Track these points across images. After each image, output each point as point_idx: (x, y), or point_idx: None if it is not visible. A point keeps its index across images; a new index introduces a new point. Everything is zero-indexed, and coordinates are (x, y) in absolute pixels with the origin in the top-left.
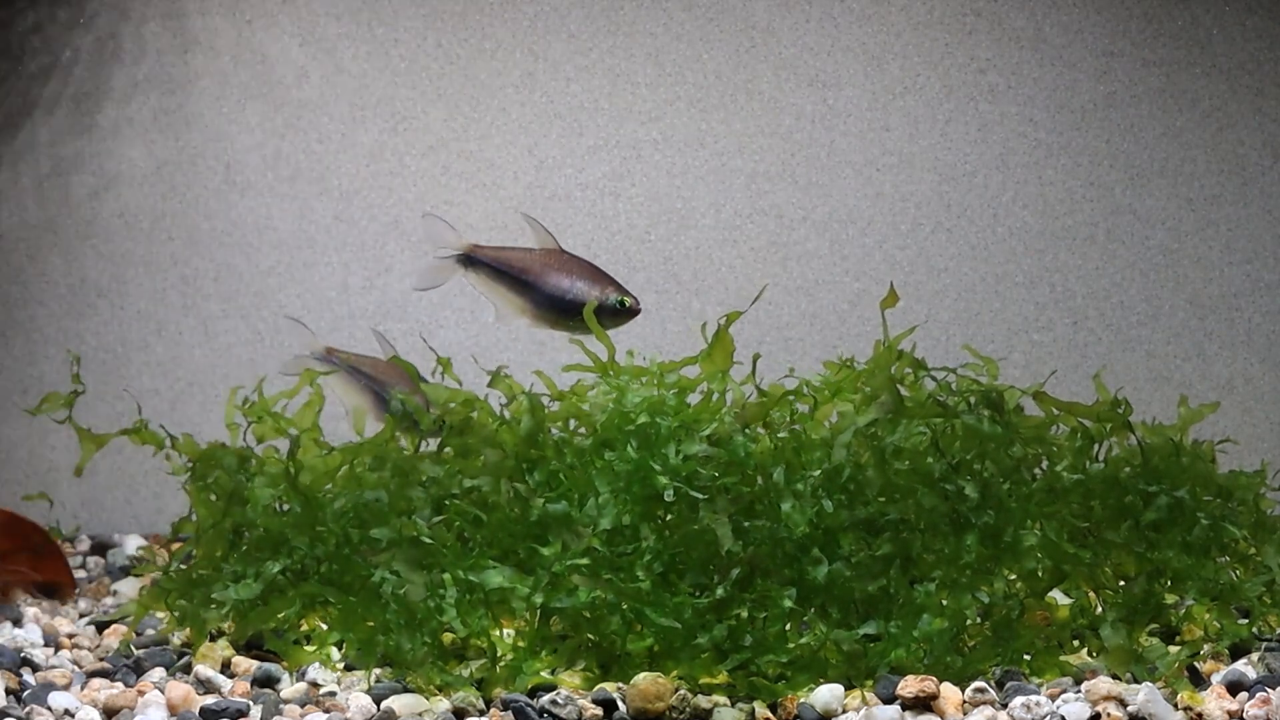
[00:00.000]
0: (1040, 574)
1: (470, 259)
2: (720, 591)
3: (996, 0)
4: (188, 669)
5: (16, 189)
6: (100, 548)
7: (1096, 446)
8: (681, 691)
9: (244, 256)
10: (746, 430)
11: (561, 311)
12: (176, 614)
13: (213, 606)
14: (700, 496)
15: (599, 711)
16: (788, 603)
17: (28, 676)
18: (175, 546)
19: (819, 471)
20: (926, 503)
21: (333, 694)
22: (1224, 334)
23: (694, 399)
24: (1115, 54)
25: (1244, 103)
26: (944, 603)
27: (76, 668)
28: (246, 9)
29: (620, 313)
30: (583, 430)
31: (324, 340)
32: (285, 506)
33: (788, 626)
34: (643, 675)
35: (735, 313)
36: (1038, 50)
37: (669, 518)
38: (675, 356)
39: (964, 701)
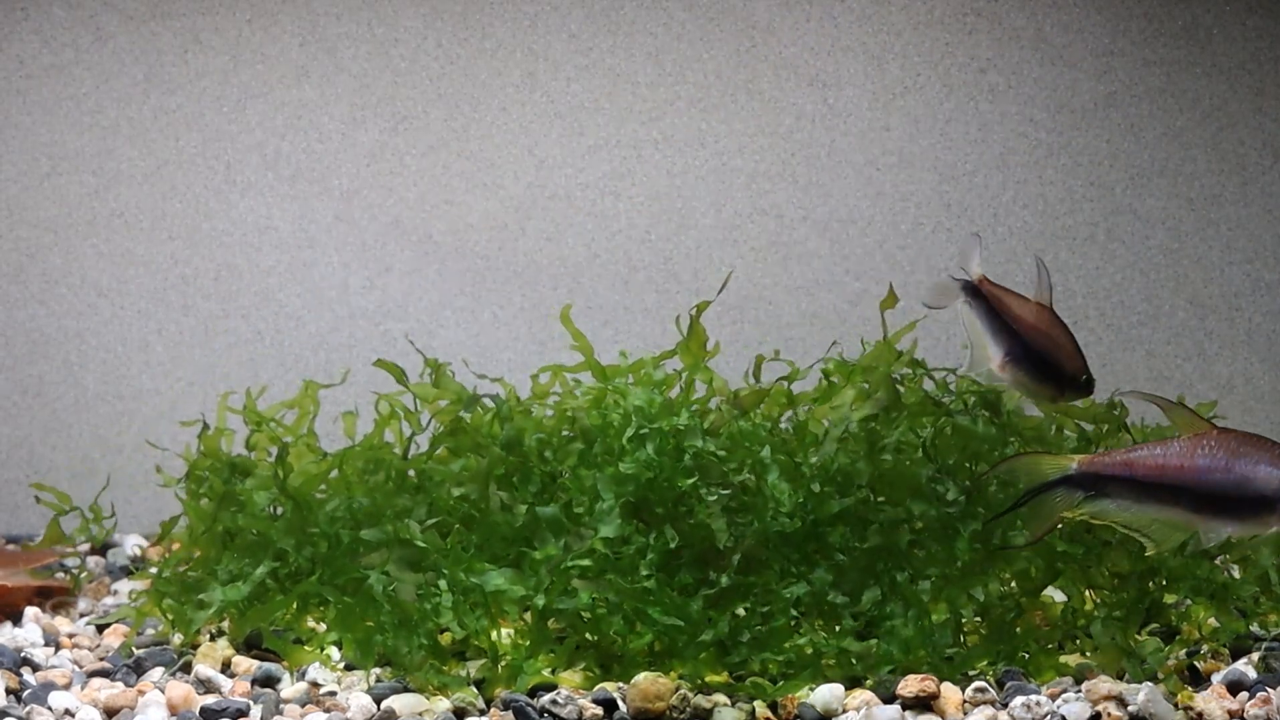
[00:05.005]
0: (1032, 573)
1: (975, 290)
2: (725, 580)
3: (996, 0)
4: (188, 669)
5: (17, 189)
6: (100, 548)
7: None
8: (682, 691)
9: (244, 256)
10: (746, 415)
11: (1038, 374)
12: (169, 616)
13: (200, 609)
14: (712, 507)
15: (599, 711)
16: (795, 589)
17: (28, 676)
18: (153, 550)
19: (813, 461)
20: (916, 509)
21: (333, 694)
22: (1224, 334)
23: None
24: (1115, 54)
25: (1244, 103)
26: (932, 604)
27: (76, 667)
28: (246, 9)
29: (1080, 387)
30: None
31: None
32: (279, 510)
33: (788, 618)
34: (643, 675)
35: (704, 302)
36: (1038, 50)
37: (661, 514)
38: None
39: (964, 701)
